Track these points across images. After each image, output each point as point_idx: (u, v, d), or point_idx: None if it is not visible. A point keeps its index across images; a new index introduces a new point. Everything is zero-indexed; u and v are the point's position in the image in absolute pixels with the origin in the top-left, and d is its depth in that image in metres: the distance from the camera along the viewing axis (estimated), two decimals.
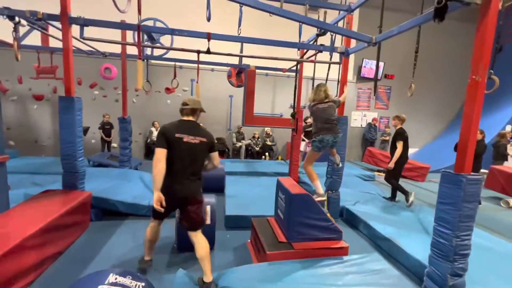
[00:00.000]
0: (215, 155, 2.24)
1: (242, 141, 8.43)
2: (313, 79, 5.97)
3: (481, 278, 2.29)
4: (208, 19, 2.96)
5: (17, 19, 2.96)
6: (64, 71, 3.10)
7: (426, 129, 10.43)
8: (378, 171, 7.64)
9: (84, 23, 3.06)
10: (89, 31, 3.38)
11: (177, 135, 2.03)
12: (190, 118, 2.19)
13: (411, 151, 10.47)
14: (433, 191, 6.04)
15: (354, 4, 3.60)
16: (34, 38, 4.88)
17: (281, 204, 2.84)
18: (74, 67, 3.16)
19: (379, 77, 9.63)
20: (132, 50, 5.58)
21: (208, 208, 2.86)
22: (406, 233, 3.23)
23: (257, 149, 8.43)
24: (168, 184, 2.01)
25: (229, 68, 6.16)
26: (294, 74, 7.59)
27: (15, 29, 3.03)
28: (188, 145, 2.05)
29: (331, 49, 3.63)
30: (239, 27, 3.25)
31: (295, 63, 5.52)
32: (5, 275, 1.92)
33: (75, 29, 3.18)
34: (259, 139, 8.62)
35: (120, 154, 5.31)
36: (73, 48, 3.23)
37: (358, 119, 9.77)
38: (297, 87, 4.74)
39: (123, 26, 3.39)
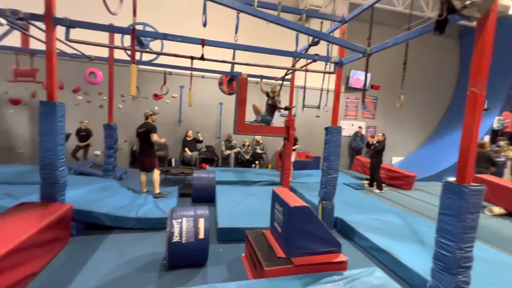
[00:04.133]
0: (151, 136, 4.31)
1: (232, 149, 8.28)
2: (304, 87, 6.02)
3: None
4: (204, 25, 2.88)
5: None
6: (46, 74, 2.89)
7: (410, 138, 10.77)
8: (367, 179, 7.71)
9: (70, 24, 2.89)
10: (74, 34, 3.21)
11: (137, 130, 4.47)
12: (145, 120, 4.48)
13: (396, 159, 10.81)
14: (421, 199, 6.16)
15: (347, 16, 3.66)
16: (13, 39, 4.60)
17: (278, 216, 2.74)
18: (57, 71, 2.97)
19: (366, 88, 9.89)
20: (119, 55, 5.38)
21: (201, 221, 2.70)
22: (402, 243, 3.21)
23: (247, 157, 8.31)
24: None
25: (220, 75, 6.07)
26: (283, 82, 7.68)
27: None
28: (138, 133, 4.42)
29: (327, 59, 3.64)
30: (236, 33, 3.19)
31: (287, 71, 5.54)
32: None
33: (59, 31, 3.00)
34: (249, 147, 8.52)
35: (104, 162, 5.01)
36: (57, 50, 3.03)
37: (346, 128, 9.91)
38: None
39: (112, 29, 3.23)
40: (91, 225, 3.41)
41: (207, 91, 8.31)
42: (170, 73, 8.10)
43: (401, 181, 7.14)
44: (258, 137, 8.64)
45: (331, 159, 3.80)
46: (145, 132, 4.34)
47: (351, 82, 9.56)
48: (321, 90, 5.10)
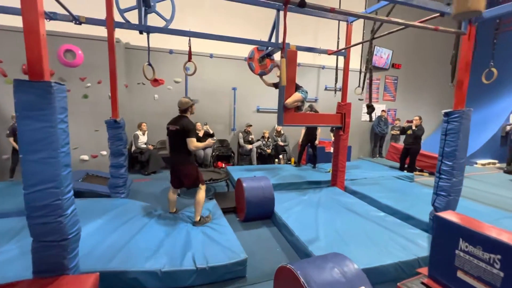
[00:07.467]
0: (188, 140, 2.95)
1: (253, 142, 6.96)
2: (336, 67, 4.84)
3: None
4: None
5: None
6: (25, 39, 1.41)
7: (430, 119, 10.18)
8: (420, 170, 6.80)
9: None
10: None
11: (167, 126, 3.10)
12: (182, 114, 3.10)
13: None
14: (476, 187, 5.48)
15: None
16: None
17: (477, 265, 1.62)
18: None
19: (387, 67, 8.97)
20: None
21: None
22: None
23: (269, 151, 7.07)
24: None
25: (252, 48, 4.64)
26: (321, 66, 6.40)
27: None
28: (170, 131, 3.06)
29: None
30: None
31: (341, 46, 4.32)
32: None
33: None
34: (269, 140, 7.27)
35: (111, 175, 3.48)
36: None
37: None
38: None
39: None
40: None
41: (217, 74, 6.82)
42: (171, 52, 6.45)
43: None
44: (278, 127, 7.40)
45: (457, 156, 2.75)
46: (178, 132, 2.97)
47: (373, 61, 8.55)
48: (364, 71, 3.94)
